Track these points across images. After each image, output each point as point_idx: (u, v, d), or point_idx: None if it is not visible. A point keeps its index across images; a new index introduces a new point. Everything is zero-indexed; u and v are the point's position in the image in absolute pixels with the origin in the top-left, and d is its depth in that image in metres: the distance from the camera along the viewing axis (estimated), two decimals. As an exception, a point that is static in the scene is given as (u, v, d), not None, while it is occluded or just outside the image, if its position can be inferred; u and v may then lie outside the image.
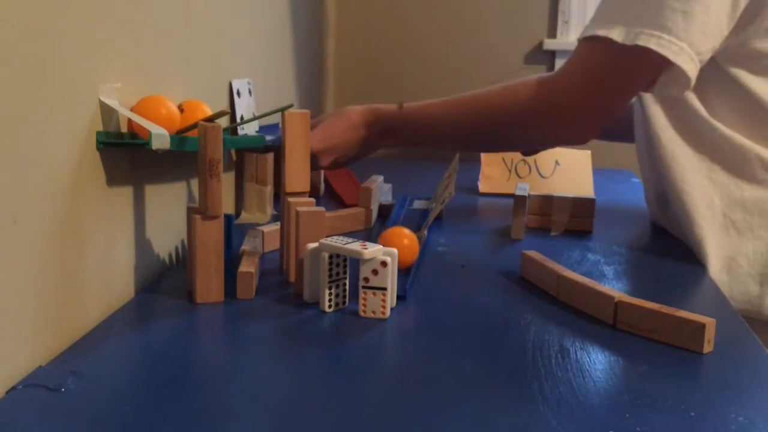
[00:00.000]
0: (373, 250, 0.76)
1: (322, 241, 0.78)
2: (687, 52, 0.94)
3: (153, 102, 0.82)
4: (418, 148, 1.26)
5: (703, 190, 1.02)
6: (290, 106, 0.88)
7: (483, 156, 1.44)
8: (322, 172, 1.33)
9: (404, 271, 0.87)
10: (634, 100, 1.12)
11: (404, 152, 1.90)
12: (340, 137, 1.15)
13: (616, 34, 0.97)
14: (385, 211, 1.19)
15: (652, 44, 0.94)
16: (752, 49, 0.97)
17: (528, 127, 1.09)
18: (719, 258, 1.00)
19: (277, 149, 1.16)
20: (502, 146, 1.24)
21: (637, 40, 0.95)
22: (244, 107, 1.18)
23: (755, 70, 0.98)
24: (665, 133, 1.05)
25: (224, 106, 1.14)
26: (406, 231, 0.88)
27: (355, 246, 0.76)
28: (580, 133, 1.06)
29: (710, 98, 1.02)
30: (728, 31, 0.96)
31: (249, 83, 1.21)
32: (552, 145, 1.26)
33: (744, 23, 0.96)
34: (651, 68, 0.98)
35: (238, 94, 1.17)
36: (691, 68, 0.95)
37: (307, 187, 0.89)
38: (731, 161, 1.01)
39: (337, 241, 0.78)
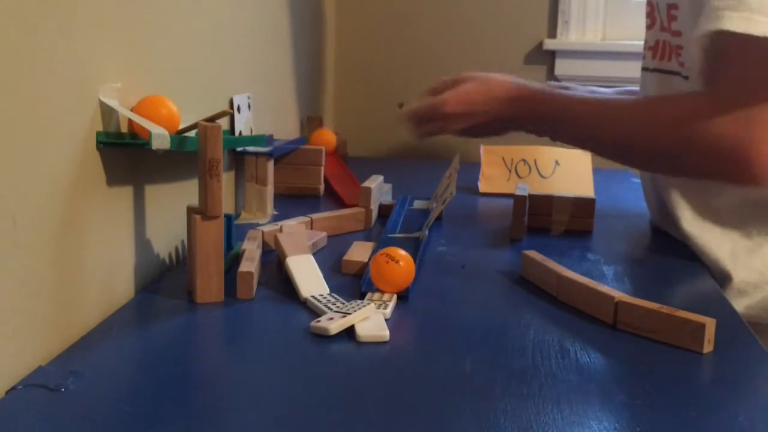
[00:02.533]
0: (340, 323, 0.72)
1: (309, 299, 0.80)
2: None
3: (153, 102, 0.82)
4: (555, 141, 1.11)
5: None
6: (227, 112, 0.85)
7: (483, 156, 1.44)
8: (322, 172, 1.32)
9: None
10: None
11: (404, 152, 1.90)
12: (481, 106, 1.06)
13: None
14: (385, 211, 1.19)
15: None
16: None
17: (690, 157, 0.93)
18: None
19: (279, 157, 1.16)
20: (660, 169, 1.05)
21: None
22: (243, 123, 1.18)
23: None
24: None
25: (225, 102, 1.14)
26: (401, 252, 0.83)
27: (325, 323, 0.73)
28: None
29: None
30: None
31: (249, 98, 1.21)
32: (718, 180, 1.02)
33: None
34: None
35: (239, 109, 1.17)
36: None
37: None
38: None
39: (322, 303, 0.78)
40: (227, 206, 1.15)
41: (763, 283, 0.98)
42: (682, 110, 0.93)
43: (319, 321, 0.73)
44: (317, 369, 0.67)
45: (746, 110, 0.87)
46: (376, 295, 0.81)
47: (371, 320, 0.74)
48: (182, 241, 0.97)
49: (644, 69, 1.11)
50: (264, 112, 1.33)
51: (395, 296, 0.82)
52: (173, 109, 0.83)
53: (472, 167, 1.47)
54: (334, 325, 0.72)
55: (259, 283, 0.85)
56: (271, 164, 1.15)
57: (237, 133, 1.16)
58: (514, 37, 1.83)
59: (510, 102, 1.05)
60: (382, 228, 1.10)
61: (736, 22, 0.84)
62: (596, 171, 1.40)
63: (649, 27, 1.08)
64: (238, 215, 1.15)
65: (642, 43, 1.12)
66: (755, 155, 0.87)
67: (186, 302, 0.80)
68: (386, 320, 0.76)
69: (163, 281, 0.88)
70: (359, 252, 0.94)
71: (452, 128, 1.09)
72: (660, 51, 1.05)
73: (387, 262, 0.82)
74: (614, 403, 0.62)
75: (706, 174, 0.95)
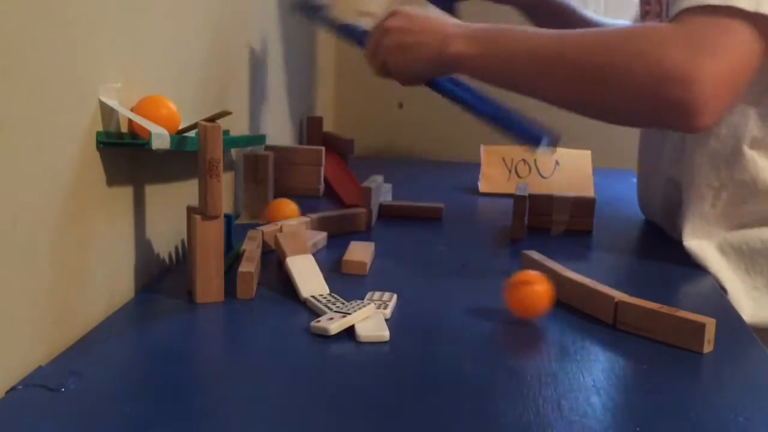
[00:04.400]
0: (339, 324, 0.72)
1: (309, 299, 0.80)
2: None
3: (153, 102, 0.82)
4: (489, 78, 0.98)
5: None
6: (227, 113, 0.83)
7: (483, 156, 1.44)
8: (322, 171, 1.33)
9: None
10: None
11: (404, 152, 1.90)
12: (419, 15, 1.00)
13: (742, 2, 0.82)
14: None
15: None
16: None
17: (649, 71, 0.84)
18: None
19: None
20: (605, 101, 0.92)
21: (760, 7, 0.82)
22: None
23: None
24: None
25: (225, 102, 1.14)
26: (536, 274, 0.77)
27: (324, 323, 0.73)
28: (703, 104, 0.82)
29: None
30: None
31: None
32: (659, 120, 0.93)
33: None
34: None
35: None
36: None
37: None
38: None
39: (322, 303, 0.78)
40: (227, 206, 1.15)
41: None
42: (633, 33, 0.89)
43: (319, 321, 0.73)
44: (317, 369, 0.67)
45: (700, 40, 0.84)
46: (376, 295, 0.81)
47: (371, 320, 0.74)
48: (182, 241, 0.96)
49: None
50: (264, 112, 1.33)
51: (395, 296, 0.82)
52: (173, 109, 0.83)
53: (472, 167, 1.47)
54: (334, 325, 0.72)
55: (259, 283, 0.85)
56: (271, 164, 1.15)
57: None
58: (514, 37, 1.83)
59: (445, 27, 0.98)
60: (382, 228, 1.10)
61: None
62: (596, 171, 1.40)
63: (643, 16, 1.06)
64: (238, 215, 1.15)
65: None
66: (701, 78, 0.82)
67: (186, 302, 0.80)
68: (386, 320, 0.76)
69: (163, 281, 0.88)
70: (359, 252, 0.94)
71: (389, 51, 1.00)
72: None
73: (525, 288, 0.76)
74: (614, 403, 0.62)
75: (648, 104, 0.87)
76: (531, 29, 0.96)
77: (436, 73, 1.00)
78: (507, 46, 0.94)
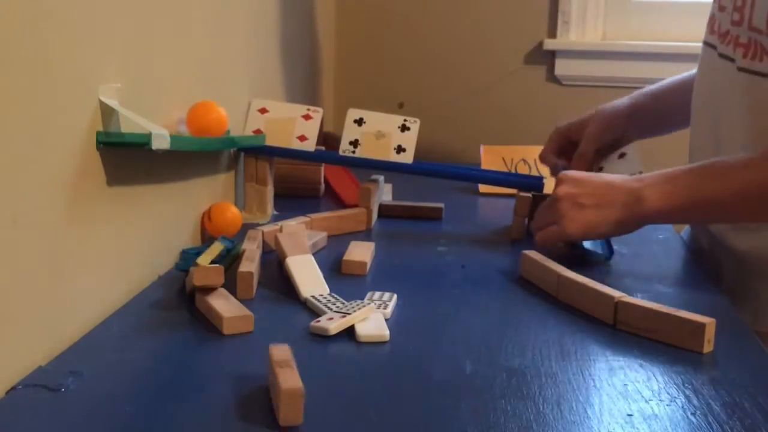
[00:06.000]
0: (339, 323, 0.73)
1: (309, 299, 0.80)
2: None
3: (204, 107, 0.82)
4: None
5: None
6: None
7: (483, 156, 1.44)
8: (322, 172, 1.32)
9: None
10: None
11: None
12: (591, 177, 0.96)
13: None
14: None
15: None
16: None
17: None
18: None
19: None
20: None
21: None
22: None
23: None
24: None
25: (226, 102, 1.13)
26: None
27: (324, 323, 0.73)
28: None
29: None
30: None
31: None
32: None
33: None
34: None
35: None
36: None
37: None
38: None
39: (322, 303, 0.78)
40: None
41: None
42: None
43: (319, 321, 0.73)
44: (316, 369, 0.66)
45: None
46: (377, 295, 0.81)
47: (371, 320, 0.74)
48: (182, 241, 0.96)
49: (738, 66, 1.00)
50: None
51: (395, 296, 0.82)
52: (222, 114, 0.86)
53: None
54: (334, 325, 0.72)
55: (259, 283, 0.85)
56: (271, 164, 1.15)
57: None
58: (514, 37, 1.83)
59: (627, 183, 0.92)
60: (381, 228, 1.10)
61: None
62: (596, 171, 1.40)
63: (737, 23, 1.01)
64: (238, 215, 1.15)
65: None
66: None
67: (186, 302, 0.80)
68: (386, 320, 0.76)
69: (163, 281, 0.88)
70: (358, 252, 0.94)
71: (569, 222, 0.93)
72: (753, 51, 0.98)
73: None
74: (614, 403, 0.62)
75: None
76: (724, 163, 0.90)
77: (623, 233, 0.95)
78: (707, 194, 0.89)
